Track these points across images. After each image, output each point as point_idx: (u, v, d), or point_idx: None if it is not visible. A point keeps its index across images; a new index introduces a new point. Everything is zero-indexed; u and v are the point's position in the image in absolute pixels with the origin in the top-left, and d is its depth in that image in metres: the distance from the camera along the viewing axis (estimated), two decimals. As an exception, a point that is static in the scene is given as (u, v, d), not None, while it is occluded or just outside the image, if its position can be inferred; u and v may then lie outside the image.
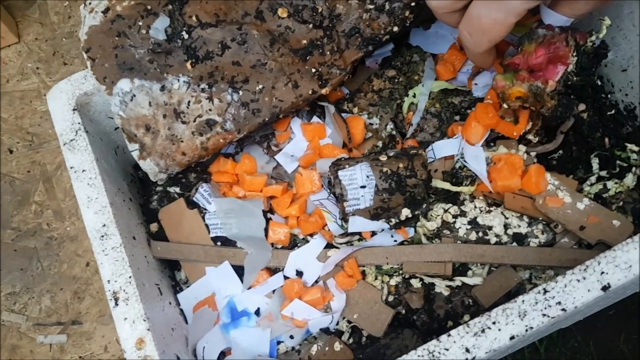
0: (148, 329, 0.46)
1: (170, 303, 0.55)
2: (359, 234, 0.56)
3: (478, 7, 0.45)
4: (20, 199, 0.88)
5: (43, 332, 0.79)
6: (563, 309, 0.42)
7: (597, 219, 0.52)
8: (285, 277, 0.56)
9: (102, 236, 0.49)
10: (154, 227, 0.59)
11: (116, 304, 0.47)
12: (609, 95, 0.61)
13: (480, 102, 0.57)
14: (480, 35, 0.46)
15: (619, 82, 0.60)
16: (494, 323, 0.42)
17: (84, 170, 0.53)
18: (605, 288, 0.42)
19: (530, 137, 0.56)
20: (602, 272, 0.42)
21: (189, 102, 0.55)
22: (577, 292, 0.42)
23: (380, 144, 0.60)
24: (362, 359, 0.52)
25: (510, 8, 0.43)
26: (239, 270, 0.56)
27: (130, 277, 0.48)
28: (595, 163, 0.57)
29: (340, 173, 0.53)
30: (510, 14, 0.44)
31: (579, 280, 0.43)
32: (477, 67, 0.60)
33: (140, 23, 0.54)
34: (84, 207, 0.51)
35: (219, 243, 0.58)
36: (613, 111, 0.60)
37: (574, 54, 0.49)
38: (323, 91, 0.55)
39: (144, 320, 0.46)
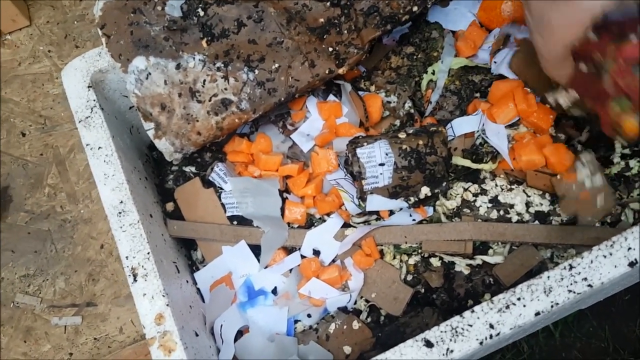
0: (167, 305, 0.46)
1: (187, 281, 0.55)
2: (377, 213, 0.56)
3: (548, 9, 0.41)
4: (34, 181, 0.88)
5: (57, 314, 0.80)
6: (589, 285, 0.41)
7: (588, 196, 0.51)
8: (302, 256, 0.56)
9: (120, 213, 0.49)
10: (170, 206, 0.59)
11: (135, 280, 0.46)
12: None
13: (499, 80, 0.56)
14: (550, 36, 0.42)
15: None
16: (518, 299, 0.41)
17: (100, 148, 0.52)
18: (632, 264, 0.41)
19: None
20: (629, 248, 0.42)
21: (204, 81, 0.54)
22: (603, 268, 0.41)
23: (397, 122, 0.59)
24: (381, 338, 0.51)
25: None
26: (256, 250, 0.56)
27: (148, 253, 0.47)
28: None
29: (358, 151, 0.52)
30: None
31: (605, 256, 0.42)
32: (496, 44, 0.58)
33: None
34: (101, 184, 0.51)
35: (235, 222, 0.57)
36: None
37: None
38: (340, 71, 0.54)
39: (163, 296, 0.46)
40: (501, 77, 0.58)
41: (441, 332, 0.41)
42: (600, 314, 0.81)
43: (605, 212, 0.52)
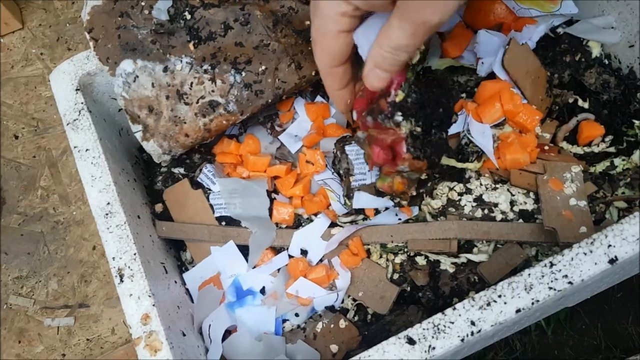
0: (153, 305, 0.46)
1: (175, 282, 0.55)
2: (363, 213, 0.56)
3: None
4: (26, 184, 0.88)
5: (50, 315, 0.80)
6: (570, 282, 0.41)
7: (572, 217, 0.51)
8: (290, 256, 0.56)
9: (107, 214, 0.50)
10: (158, 207, 0.59)
11: (121, 281, 0.47)
12: (615, 73, 0.61)
13: (487, 80, 0.57)
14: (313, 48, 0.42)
15: (626, 59, 0.59)
16: (499, 296, 0.42)
17: (87, 150, 0.53)
18: (612, 261, 0.42)
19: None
20: (610, 245, 0.42)
21: (191, 83, 0.54)
22: (584, 265, 0.42)
23: (384, 122, 0.60)
24: (368, 336, 0.52)
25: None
26: (244, 250, 0.56)
27: (135, 254, 0.48)
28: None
29: (347, 148, 0.53)
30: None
31: (585, 254, 0.42)
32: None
33: (143, 3, 0.54)
34: (88, 185, 0.51)
35: (223, 223, 0.58)
36: (622, 87, 0.59)
37: (399, 122, 0.43)
38: (326, 72, 0.55)
39: (149, 296, 0.46)
40: (487, 77, 0.58)
41: (423, 329, 0.42)
42: (593, 311, 0.81)
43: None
